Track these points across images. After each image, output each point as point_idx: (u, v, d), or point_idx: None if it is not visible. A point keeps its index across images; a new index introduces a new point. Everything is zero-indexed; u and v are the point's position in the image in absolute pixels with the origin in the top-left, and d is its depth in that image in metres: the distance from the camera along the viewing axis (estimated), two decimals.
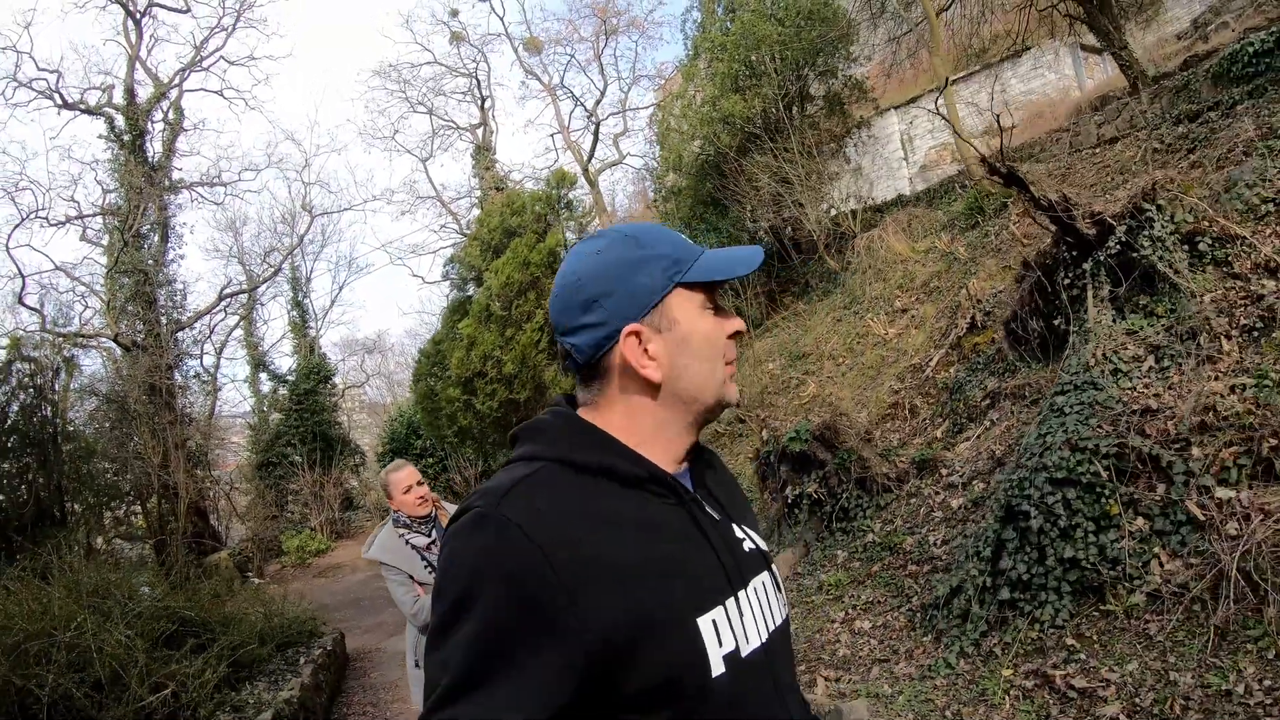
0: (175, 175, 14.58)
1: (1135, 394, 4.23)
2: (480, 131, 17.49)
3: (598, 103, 17.90)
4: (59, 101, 14.71)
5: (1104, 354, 4.61)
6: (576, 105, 18.00)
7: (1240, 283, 4.83)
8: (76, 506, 11.46)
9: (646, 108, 18.66)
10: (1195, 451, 3.65)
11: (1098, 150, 8.71)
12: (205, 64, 15.48)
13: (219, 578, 9.74)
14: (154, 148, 14.31)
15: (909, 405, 6.86)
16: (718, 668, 0.80)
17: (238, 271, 17.39)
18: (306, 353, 16.88)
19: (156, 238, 13.82)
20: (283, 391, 16.38)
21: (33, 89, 14.59)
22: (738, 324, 0.93)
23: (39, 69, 14.23)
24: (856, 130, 14.45)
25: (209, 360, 15.85)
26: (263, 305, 17.49)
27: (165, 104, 14.84)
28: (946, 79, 9.56)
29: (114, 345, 13.54)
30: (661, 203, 14.27)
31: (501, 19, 18.18)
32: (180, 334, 13.92)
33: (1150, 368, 4.56)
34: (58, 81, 14.55)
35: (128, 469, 11.74)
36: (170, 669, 3.55)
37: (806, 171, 11.71)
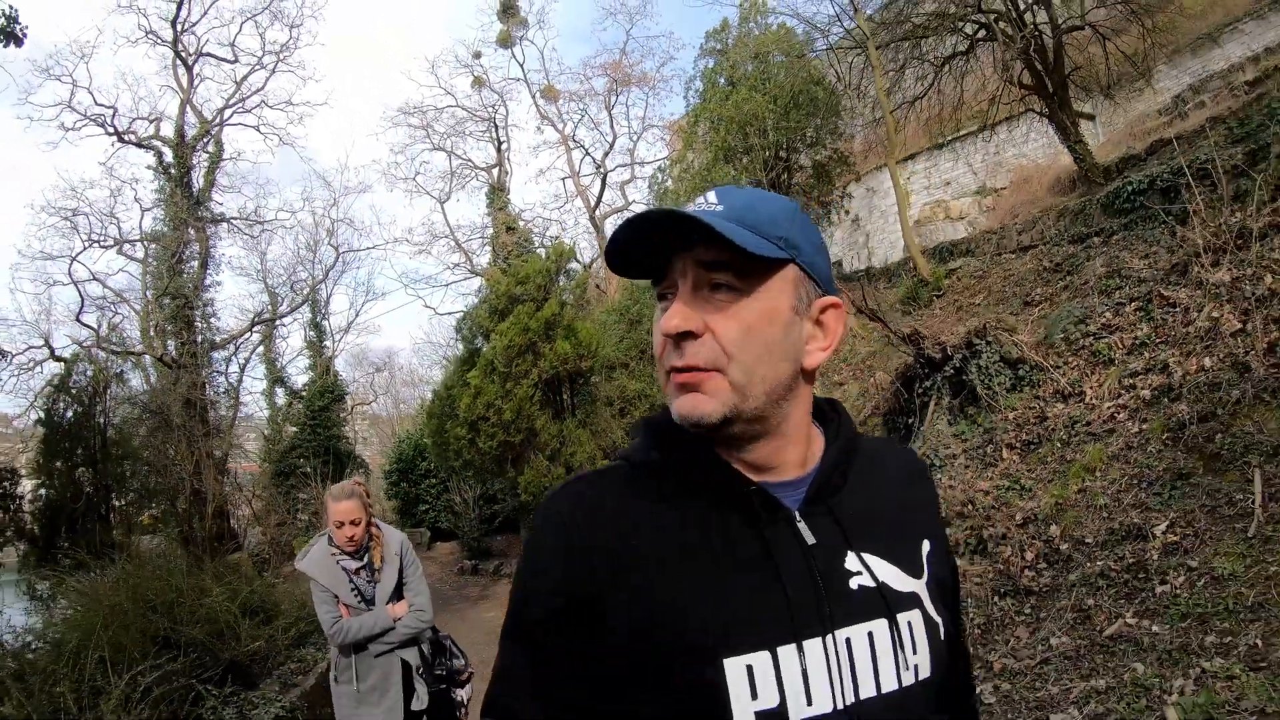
0: (215, 209, 16.75)
1: (937, 484, 6.28)
2: (495, 172, 19.65)
3: (606, 154, 20.21)
4: (112, 132, 16.96)
5: (927, 453, 6.66)
6: (586, 155, 20.39)
7: (1040, 404, 6.85)
8: (118, 504, 13.64)
9: (653, 161, 20.88)
10: (947, 532, 5.68)
11: (1015, 255, 10.71)
12: (246, 104, 17.65)
13: (241, 575, 11.83)
14: (197, 180, 16.51)
15: None
16: None
17: (264, 293, 19.73)
18: (322, 372, 19.07)
19: (196, 264, 16.05)
20: (298, 406, 18.62)
21: (87, 116, 16.87)
22: (664, 322, 0.77)
23: (96, 103, 16.41)
24: (840, 199, 16.50)
25: (233, 376, 18.09)
26: (283, 324, 19.75)
27: (207, 138, 16.88)
28: (896, 176, 11.68)
29: (149, 359, 15.82)
30: None
31: (521, 65, 20.35)
32: (213, 352, 16.15)
33: (961, 465, 6.61)
34: (113, 116, 16.79)
35: (163, 473, 13.90)
36: (258, 631, 5.70)
37: None
